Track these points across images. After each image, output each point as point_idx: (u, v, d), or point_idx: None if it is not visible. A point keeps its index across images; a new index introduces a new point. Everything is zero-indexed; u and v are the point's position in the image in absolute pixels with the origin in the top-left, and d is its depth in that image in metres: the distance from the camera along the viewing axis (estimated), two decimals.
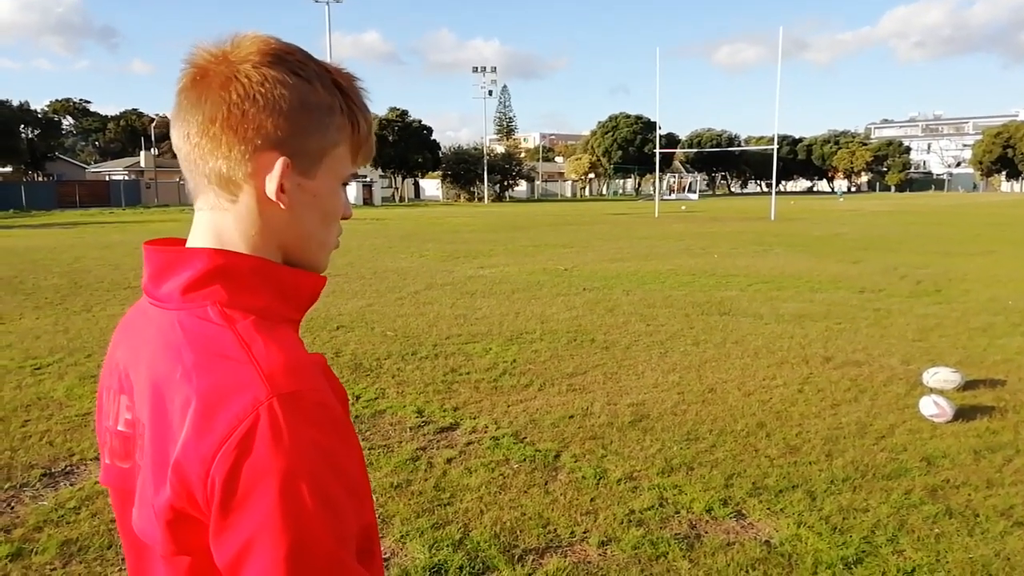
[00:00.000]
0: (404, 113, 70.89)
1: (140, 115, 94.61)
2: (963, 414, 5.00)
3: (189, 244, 0.86)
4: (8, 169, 58.00)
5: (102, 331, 8.01)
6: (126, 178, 60.05)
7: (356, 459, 0.79)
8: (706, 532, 3.49)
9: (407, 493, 3.91)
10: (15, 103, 53.12)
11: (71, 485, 4.02)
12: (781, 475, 4.12)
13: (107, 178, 60.70)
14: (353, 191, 59.09)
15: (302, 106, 0.80)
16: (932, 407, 4.97)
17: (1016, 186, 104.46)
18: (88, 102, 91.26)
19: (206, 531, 0.73)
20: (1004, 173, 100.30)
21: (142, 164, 63.35)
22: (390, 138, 67.31)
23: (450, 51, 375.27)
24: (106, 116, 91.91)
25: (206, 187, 0.83)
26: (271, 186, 0.80)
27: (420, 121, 71.47)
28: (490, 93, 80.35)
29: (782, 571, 3.14)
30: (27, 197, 48.85)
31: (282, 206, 0.82)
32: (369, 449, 4.52)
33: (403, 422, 5.04)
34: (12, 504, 3.81)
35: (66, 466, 4.29)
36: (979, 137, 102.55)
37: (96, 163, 74.79)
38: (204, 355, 0.76)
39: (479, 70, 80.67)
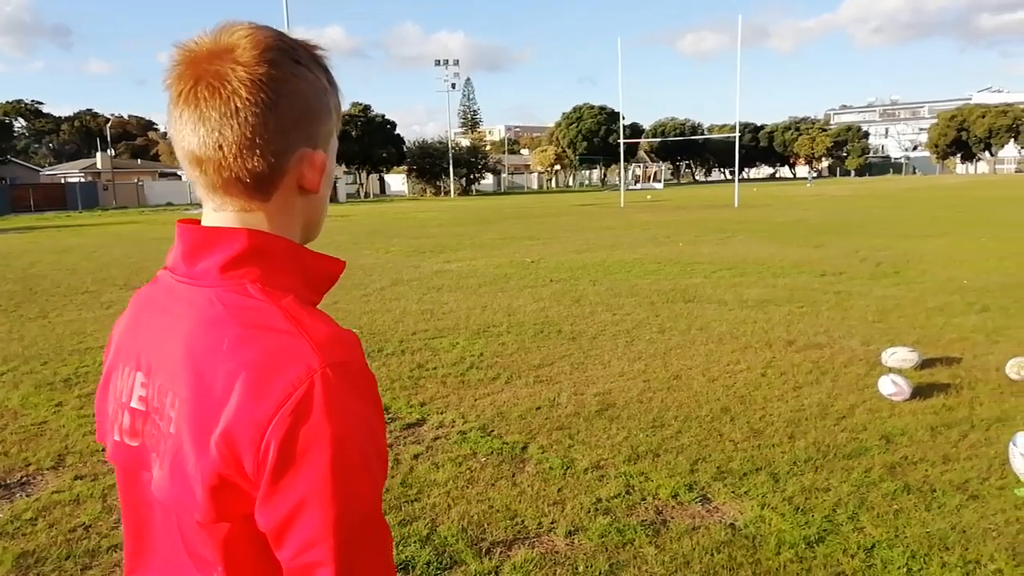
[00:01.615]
0: (367, 108, 70.21)
1: (95, 115, 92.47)
2: (920, 392, 5.12)
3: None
4: None
5: (58, 337, 7.82)
6: (82, 180, 58.56)
7: (384, 426, 0.84)
8: (672, 517, 3.52)
9: None
10: None
11: (27, 496, 3.92)
12: (745, 458, 4.18)
13: (63, 180, 59.12)
14: None
15: (310, 97, 0.85)
16: (890, 386, 5.08)
17: (971, 168, 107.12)
18: (40, 103, 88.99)
19: (247, 499, 0.77)
20: (959, 156, 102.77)
21: (99, 166, 61.91)
22: (353, 133, 66.63)
23: (415, 44, 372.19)
24: (60, 117, 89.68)
25: (233, 188, 0.83)
26: (313, 179, 0.86)
27: (384, 116, 70.82)
28: (453, 86, 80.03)
29: (746, 553, 3.18)
30: None
31: (316, 193, 0.88)
32: None
33: None
34: None
35: (21, 476, 4.18)
36: (935, 121, 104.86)
37: (51, 165, 72.85)
38: (251, 328, 0.79)
39: (442, 63, 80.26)
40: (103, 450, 4.31)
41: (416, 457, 4.32)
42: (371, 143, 67.89)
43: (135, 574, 0.93)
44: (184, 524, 0.83)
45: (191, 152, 0.83)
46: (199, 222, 0.87)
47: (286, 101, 0.81)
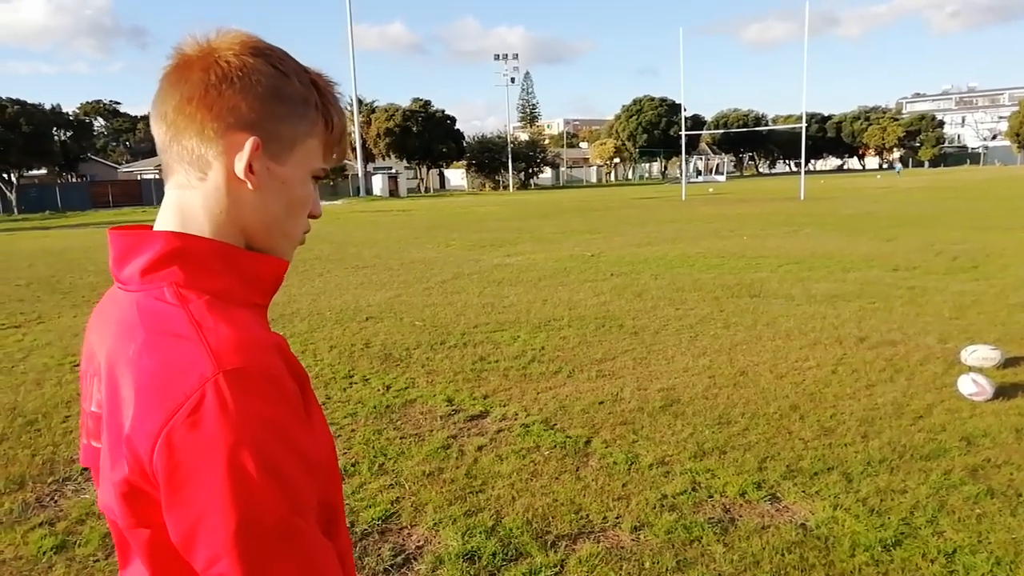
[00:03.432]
0: (427, 103, 70.88)
1: None
2: (1003, 392, 4.89)
3: (156, 227, 0.87)
4: (43, 171, 59.16)
5: None
6: (157, 177, 60.87)
7: (313, 435, 0.80)
8: (740, 516, 3.46)
9: (439, 481, 3.93)
10: (47, 106, 54.09)
11: None
12: (816, 457, 4.07)
13: (139, 177, 61.73)
14: (379, 182, 59.55)
15: (277, 93, 0.83)
16: (971, 386, 4.87)
17: None
18: (118, 103, 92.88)
19: (157, 508, 0.75)
20: None
21: None
22: (414, 129, 67.40)
23: (475, 39, 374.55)
24: (136, 116, 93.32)
25: (177, 165, 0.85)
26: (240, 164, 0.82)
27: (443, 111, 71.43)
28: (512, 80, 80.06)
29: (819, 554, 3.10)
30: (62, 199, 49.94)
31: (250, 186, 0.83)
32: (400, 438, 4.55)
33: (433, 411, 5.06)
34: (55, 498, 3.90)
35: None
36: (1015, 108, 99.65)
37: (128, 163, 76.01)
38: (155, 334, 0.78)
39: (501, 58, 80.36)
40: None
41: (480, 449, 4.36)
42: (431, 138, 68.54)
43: (122, 569, 0.94)
44: (117, 527, 0.83)
45: (152, 123, 0.86)
46: (136, 228, 0.88)
47: (236, 85, 0.81)
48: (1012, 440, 4.19)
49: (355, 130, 60.46)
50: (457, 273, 11.81)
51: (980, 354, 5.55)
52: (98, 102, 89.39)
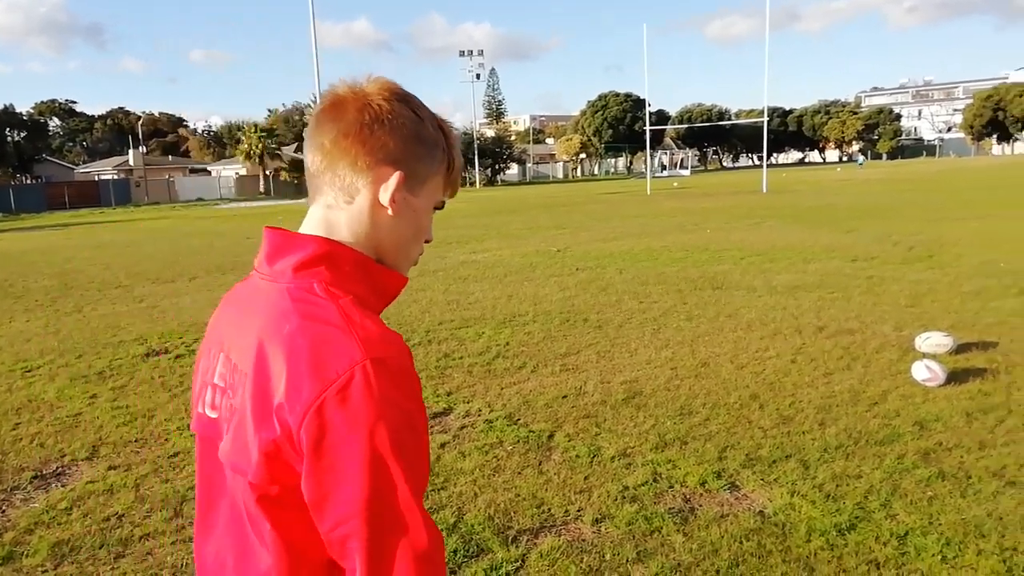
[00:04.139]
0: None
1: (127, 113, 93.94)
2: (955, 377, 5.00)
3: (301, 231, 1.01)
4: None
5: (93, 331, 7.97)
6: (115, 177, 59.63)
7: (426, 426, 0.93)
8: (700, 505, 3.49)
9: None
10: (0, 106, 52.57)
11: (62, 486, 4.00)
12: (774, 445, 4.12)
13: (96, 178, 60.29)
14: None
15: (417, 136, 0.99)
16: (924, 371, 4.97)
17: (1007, 149, 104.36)
18: (74, 102, 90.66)
19: (293, 471, 0.86)
20: (995, 136, 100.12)
21: (131, 162, 62.91)
22: None
23: (441, 36, 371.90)
24: (93, 116, 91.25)
25: (328, 188, 0.99)
26: (386, 194, 0.97)
27: None
28: (478, 77, 79.89)
29: (776, 540, 3.13)
30: (16, 200, 48.57)
31: (390, 212, 0.98)
32: None
33: None
34: (3, 507, 3.79)
35: (57, 467, 4.27)
36: (970, 101, 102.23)
37: (84, 163, 74.24)
38: (309, 319, 0.90)
39: (466, 54, 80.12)
40: (187, 429, 4.35)
41: (443, 446, 4.34)
42: None
43: (202, 528, 1.06)
44: (239, 485, 0.93)
45: (307, 158, 1.00)
46: (284, 230, 1.01)
47: (387, 126, 0.96)
48: (963, 424, 4.30)
49: None
50: (422, 270, 11.75)
51: (933, 341, 5.67)
52: (53, 101, 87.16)
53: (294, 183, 59.87)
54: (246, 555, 0.95)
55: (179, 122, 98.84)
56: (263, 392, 0.88)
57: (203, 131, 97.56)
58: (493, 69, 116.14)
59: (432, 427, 4.66)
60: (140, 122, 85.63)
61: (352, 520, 0.84)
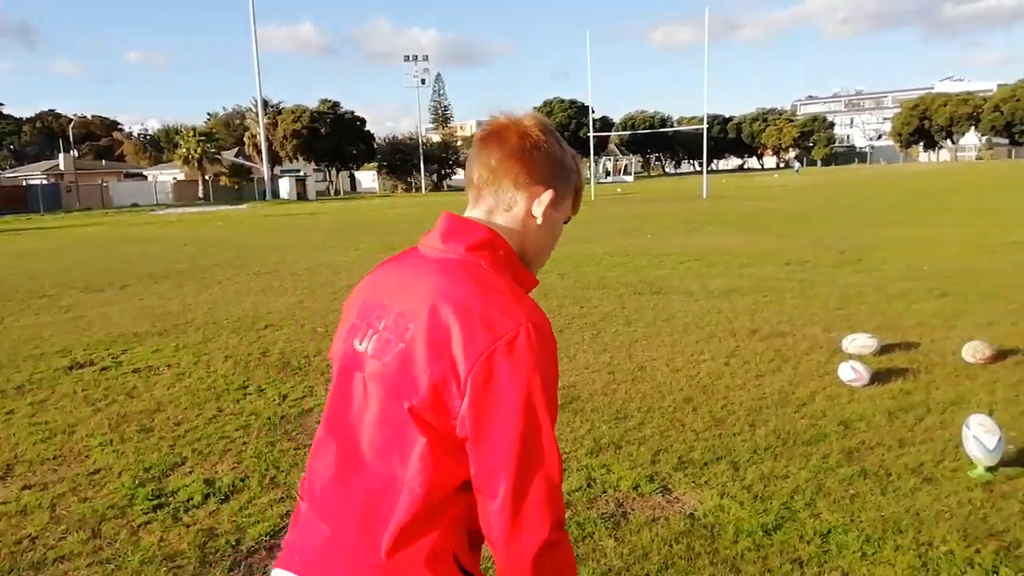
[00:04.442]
0: (336, 104, 69.57)
1: (58, 116, 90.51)
2: (878, 378, 5.17)
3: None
4: None
5: (13, 343, 7.61)
6: (44, 182, 57.22)
7: (558, 382, 1.13)
8: (632, 509, 3.51)
9: None
10: None
11: None
12: (706, 448, 4.19)
13: (24, 183, 57.74)
14: (286, 185, 57.90)
15: (561, 163, 1.26)
16: (850, 372, 5.13)
17: (933, 156, 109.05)
18: (1, 104, 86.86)
19: (450, 411, 1.08)
20: (922, 144, 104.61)
21: (61, 167, 60.48)
22: (322, 130, 66.01)
23: (387, 40, 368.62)
24: (21, 118, 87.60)
25: (491, 198, 1.24)
26: (539, 208, 1.23)
27: (353, 112, 70.28)
28: (423, 82, 79.64)
29: (705, 542, 3.18)
30: None
31: (539, 222, 1.24)
32: (295, 449, 4.41)
33: None
34: None
35: None
36: (898, 110, 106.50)
37: (12, 167, 71.12)
38: (482, 286, 1.13)
39: (411, 59, 79.76)
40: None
41: None
42: (340, 140, 67.32)
43: (321, 445, 1.27)
44: (392, 411, 1.13)
45: (473, 172, 1.26)
46: (461, 216, 1.27)
47: (542, 152, 1.22)
48: (884, 423, 4.44)
49: (260, 132, 58.59)
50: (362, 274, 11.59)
51: (859, 342, 5.86)
52: None
53: (235, 188, 58.51)
54: (387, 452, 1.14)
55: (113, 125, 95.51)
56: (437, 338, 1.08)
57: (139, 135, 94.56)
58: (439, 74, 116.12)
59: None
60: (71, 125, 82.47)
61: (504, 449, 1.05)
